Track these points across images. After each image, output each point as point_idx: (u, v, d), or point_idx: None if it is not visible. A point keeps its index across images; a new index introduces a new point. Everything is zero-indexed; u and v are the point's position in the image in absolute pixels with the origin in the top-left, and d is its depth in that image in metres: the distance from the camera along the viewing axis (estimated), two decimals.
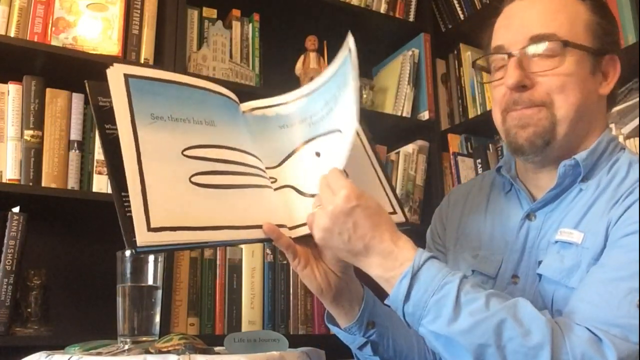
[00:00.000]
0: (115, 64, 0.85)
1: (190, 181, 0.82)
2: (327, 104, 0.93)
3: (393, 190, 0.98)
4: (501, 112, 0.98)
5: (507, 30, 0.98)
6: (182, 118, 0.86)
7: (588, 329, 0.77)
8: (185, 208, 0.80)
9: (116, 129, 0.81)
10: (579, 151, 0.94)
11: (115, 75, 0.83)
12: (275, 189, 0.90)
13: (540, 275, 0.91)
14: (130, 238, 0.75)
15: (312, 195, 0.88)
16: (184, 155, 0.84)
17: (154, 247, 0.76)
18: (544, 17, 0.94)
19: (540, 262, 0.92)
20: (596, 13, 0.96)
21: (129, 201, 0.77)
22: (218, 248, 1.71)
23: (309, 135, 0.93)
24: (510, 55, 0.94)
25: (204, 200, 0.81)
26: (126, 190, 0.77)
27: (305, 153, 0.93)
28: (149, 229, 0.75)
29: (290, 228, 0.88)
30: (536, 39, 0.93)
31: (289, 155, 0.93)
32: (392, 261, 0.82)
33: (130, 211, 0.76)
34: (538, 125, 0.93)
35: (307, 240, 0.89)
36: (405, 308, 0.81)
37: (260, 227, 0.85)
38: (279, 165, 0.92)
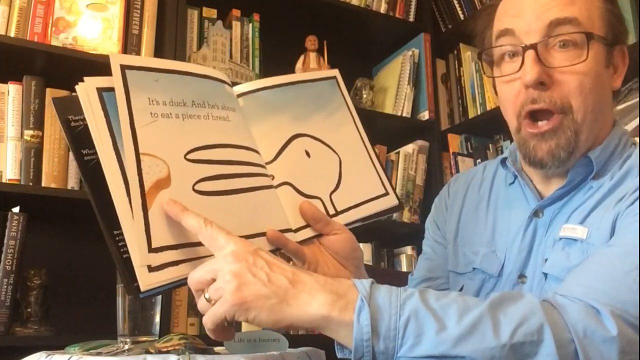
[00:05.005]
0: (111, 56, 0.74)
1: (194, 189, 0.74)
2: (314, 103, 0.91)
3: (385, 171, 0.95)
4: (517, 117, 0.88)
5: (517, 14, 0.87)
6: (185, 114, 0.77)
7: (584, 302, 0.69)
8: None
9: (96, 154, 0.70)
10: (592, 149, 0.89)
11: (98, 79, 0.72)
12: (276, 187, 0.85)
13: (546, 274, 0.86)
14: (131, 283, 0.66)
15: (309, 196, 0.86)
16: (187, 160, 0.75)
17: (159, 288, 0.68)
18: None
19: (546, 260, 0.87)
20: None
21: (123, 239, 0.67)
22: None
23: (298, 130, 0.90)
24: (526, 47, 0.84)
25: (207, 210, 0.74)
26: (118, 228, 0.68)
27: (295, 148, 0.89)
28: (150, 250, 0.67)
29: (295, 230, 0.83)
30: (556, 24, 0.84)
31: (282, 149, 0.88)
32: (331, 294, 0.65)
33: (127, 251, 0.67)
34: (561, 137, 0.85)
35: (312, 240, 0.84)
36: (376, 348, 0.64)
37: (264, 234, 0.78)
38: (275, 159, 0.87)
